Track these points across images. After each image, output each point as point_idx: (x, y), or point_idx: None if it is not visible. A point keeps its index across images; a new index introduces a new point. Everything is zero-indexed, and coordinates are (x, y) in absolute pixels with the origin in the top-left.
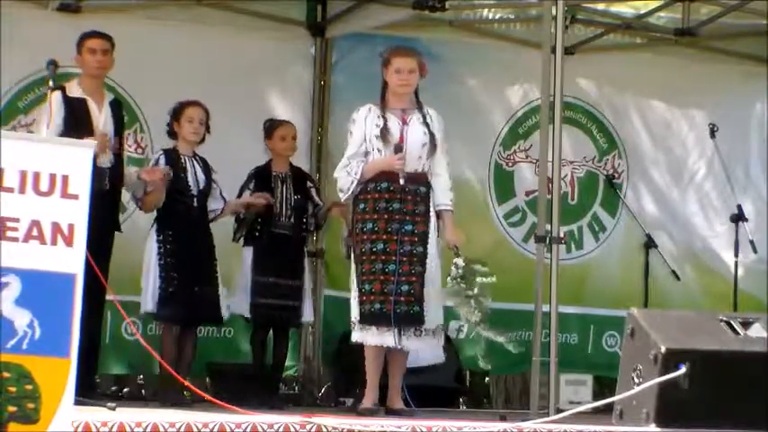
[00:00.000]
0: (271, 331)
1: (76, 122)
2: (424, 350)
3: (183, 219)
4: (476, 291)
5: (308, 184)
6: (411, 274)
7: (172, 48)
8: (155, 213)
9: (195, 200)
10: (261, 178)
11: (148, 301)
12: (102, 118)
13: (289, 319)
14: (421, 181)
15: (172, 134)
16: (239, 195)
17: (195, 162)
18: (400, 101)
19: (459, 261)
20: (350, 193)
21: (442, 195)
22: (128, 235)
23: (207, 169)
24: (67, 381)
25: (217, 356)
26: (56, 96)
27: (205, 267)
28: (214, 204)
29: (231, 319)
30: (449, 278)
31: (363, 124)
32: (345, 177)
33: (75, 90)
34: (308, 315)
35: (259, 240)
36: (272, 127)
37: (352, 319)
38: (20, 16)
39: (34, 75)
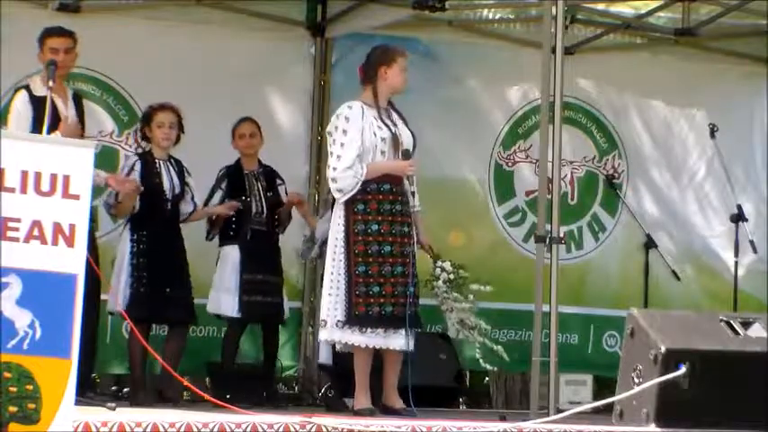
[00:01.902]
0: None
1: (45, 120)
2: None
3: (157, 221)
4: (471, 298)
5: (278, 182)
6: (413, 276)
7: (171, 47)
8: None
9: (169, 204)
10: (232, 178)
11: (118, 301)
12: (69, 114)
13: (276, 314)
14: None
15: (145, 138)
16: (210, 196)
17: (170, 165)
18: (386, 100)
19: (447, 265)
20: (350, 194)
21: (413, 197)
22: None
23: (181, 172)
24: (68, 381)
25: (217, 356)
26: (21, 96)
27: (177, 269)
28: (184, 208)
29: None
30: (440, 282)
31: (360, 124)
32: (351, 179)
33: (39, 88)
34: (285, 313)
35: (241, 238)
36: (233, 127)
37: (332, 317)
38: (20, 16)
39: (34, 75)
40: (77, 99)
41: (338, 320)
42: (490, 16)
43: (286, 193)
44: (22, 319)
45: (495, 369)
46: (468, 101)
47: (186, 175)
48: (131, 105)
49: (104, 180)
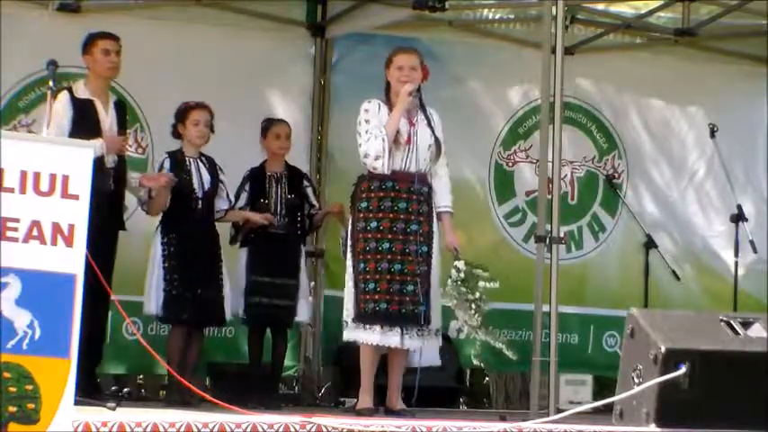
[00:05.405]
0: (268, 331)
1: (84, 124)
2: (426, 350)
3: (187, 221)
4: (477, 295)
5: (305, 183)
6: (416, 274)
7: (172, 47)
8: (160, 215)
9: (200, 202)
10: (256, 180)
11: (152, 304)
12: (108, 119)
13: (284, 318)
14: (424, 181)
15: (176, 135)
16: (236, 198)
17: (201, 163)
18: (400, 99)
19: (461, 264)
20: (386, 157)
21: (443, 197)
22: (130, 234)
23: (213, 169)
24: (67, 381)
25: (217, 356)
26: (63, 97)
27: (209, 269)
28: (220, 204)
29: (232, 320)
30: (449, 280)
31: (378, 116)
32: (374, 140)
33: (81, 91)
34: (303, 315)
35: (254, 241)
36: (267, 126)
37: (347, 317)
38: (20, 16)
39: (34, 75)
40: (120, 105)
41: (350, 319)
42: (490, 16)
43: (314, 194)
44: (21, 319)
45: (495, 371)
46: (468, 101)
47: (219, 172)
48: (132, 105)
49: (137, 180)
